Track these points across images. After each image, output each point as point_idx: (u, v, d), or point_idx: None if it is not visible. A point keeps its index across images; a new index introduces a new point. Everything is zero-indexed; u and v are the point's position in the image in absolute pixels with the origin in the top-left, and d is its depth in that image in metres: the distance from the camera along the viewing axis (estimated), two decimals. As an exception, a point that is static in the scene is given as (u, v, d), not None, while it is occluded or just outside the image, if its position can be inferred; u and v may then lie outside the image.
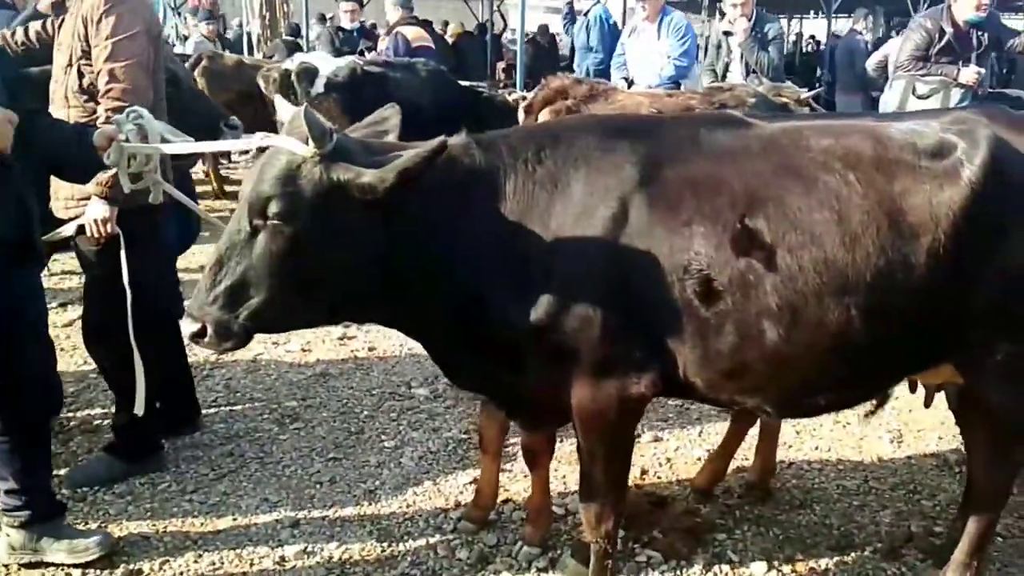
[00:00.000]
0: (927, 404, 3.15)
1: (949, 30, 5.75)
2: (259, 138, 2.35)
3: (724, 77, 6.96)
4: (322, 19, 14.75)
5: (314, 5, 14.47)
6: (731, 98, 5.01)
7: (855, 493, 3.67)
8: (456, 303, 2.44)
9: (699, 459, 3.87)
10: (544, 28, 15.99)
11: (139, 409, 3.11)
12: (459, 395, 4.50)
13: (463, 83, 7.99)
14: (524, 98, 8.11)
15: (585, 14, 8.40)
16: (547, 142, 2.50)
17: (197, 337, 2.29)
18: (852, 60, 11.24)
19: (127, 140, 2.70)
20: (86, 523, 3.27)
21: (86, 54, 3.25)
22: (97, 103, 3.24)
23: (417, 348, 5.04)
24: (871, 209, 2.33)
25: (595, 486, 2.64)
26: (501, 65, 16.74)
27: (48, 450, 3.03)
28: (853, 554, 3.22)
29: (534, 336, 2.43)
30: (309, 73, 6.66)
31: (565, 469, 3.66)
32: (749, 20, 6.84)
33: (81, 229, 3.24)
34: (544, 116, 4.57)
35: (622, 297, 2.39)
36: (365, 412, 4.34)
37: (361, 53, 8.51)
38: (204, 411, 4.17)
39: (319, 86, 6.71)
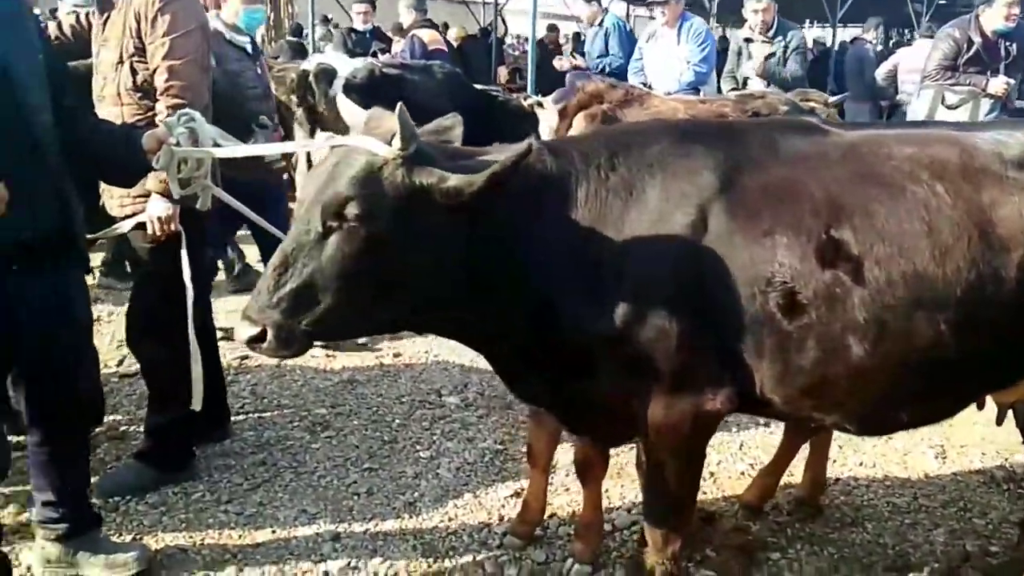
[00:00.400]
0: (999, 422, 3.07)
1: (977, 40, 5.71)
2: (327, 139, 2.25)
3: (744, 84, 6.88)
4: (325, 21, 14.63)
5: (318, 6, 14.36)
6: (763, 105, 4.92)
7: (906, 511, 3.58)
8: (529, 310, 2.35)
9: (742, 473, 3.79)
10: (553, 27, 15.91)
11: (196, 404, 3.03)
12: (490, 404, 4.42)
13: (477, 87, 7.90)
14: (540, 103, 8.08)
15: (600, 23, 8.30)
16: (620, 147, 2.41)
17: (255, 342, 2.17)
18: (861, 69, 11.22)
19: (178, 144, 2.59)
20: (119, 534, 3.15)
21: (139, 51, 3.16)
22: (153, 101, 3.15)
23: (444, 355, 5.12)
24: (960, 220, 2.26)
25: (663, 505, 2.56)
26: (503, 69, 16.69)
27: (87, 461, 2.93)
28: (910, 575, 3.14)
29: (607, 346, 2.34)
30: (328, 74, 6.55)
31: (608, 483, 3.56)
32: (770, 27, 6.78)
33: (139, 226, 3.14)
34: (579, 121, 4.49)
35: (699, 308, 2.31)
36: (397, 421, 4.23)
37: (374, 55, 8.40)
38: (232, 418, 4.06)
39: (337, 87, 6.59)
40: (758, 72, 6.49)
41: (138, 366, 4.54)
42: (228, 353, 4.81)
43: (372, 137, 2.14)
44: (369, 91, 6.67)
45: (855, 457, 3.98)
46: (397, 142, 2.08)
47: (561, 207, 2.34)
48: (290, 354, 2.25)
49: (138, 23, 3.13)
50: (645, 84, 7.29)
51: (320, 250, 2.14)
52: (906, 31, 19.65)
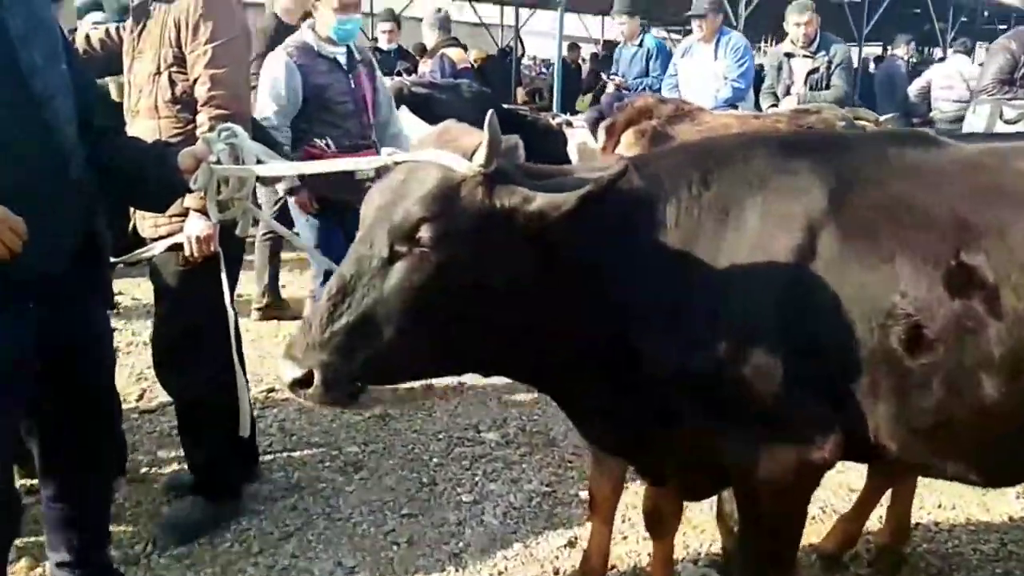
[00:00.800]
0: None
1: (1033, 52, 5.45)
2: (392, 154, 1.97)
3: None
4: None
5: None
6: (819, 121, 4.64)
7: (994, 558, 3.27)
8: (612, 346, 2.07)
9: (813, 518, 3.47)
10: (575, 46, 15.75)
11: (244, 430, 2.73)
12: (532, 441, 4.13)
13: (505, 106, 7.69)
14: (569, 122, 7.84)
15: (640, 43, 8.04)
16: (713, 163, 2.14)
17: (300, 386, 1.86)
18: (893, 85, 11.01)
19: (218, 161, 2.32)
20: (142, 592, 2.87)
21: (179, 61, 2.94)
22: (192, 114, 2.93)
23: (479, 386, 4.84)
24: None
25: (760, 564, 2.25)
26: (521, 89, 16.56)
27: (108, 517, 2.64)
28: (1014, 634, 2.83)
29: (700, 387, 2.06)
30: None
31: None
32: (812, 40, 6.51)
33: (174, 247, 2.89)
34: (628, 137, 4.24)
35: (807, 344, 2.02)
36: (434, 460, 3.94)
37: (399, 74, 8.19)
38: (260, 457, 3.78)
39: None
40: (799, 99, 6.21)
41: (159, 400, 4.34)
42: (254, 386, 4.55)
43: (447, 151, 1.86)
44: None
45: (931, 498, 3.66)
46: (480, 156, 1.81)
47: (649, 232, 2.07)
48: (339, 403, 1.96)
49: (178, 31, 2.92)
50: (677, 102, 7.03)
51: (382, 279, 1.85)
52: (927, 48, 19.48)
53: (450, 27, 8.37)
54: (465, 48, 10.22)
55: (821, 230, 2.02)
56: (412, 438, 4.16)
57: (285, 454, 3.95)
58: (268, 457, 3.88)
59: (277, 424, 4.24)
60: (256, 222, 2.61)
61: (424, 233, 1.82)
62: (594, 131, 7.40)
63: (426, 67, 7.97)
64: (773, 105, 6.63)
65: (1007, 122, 5.34)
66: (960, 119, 9.42)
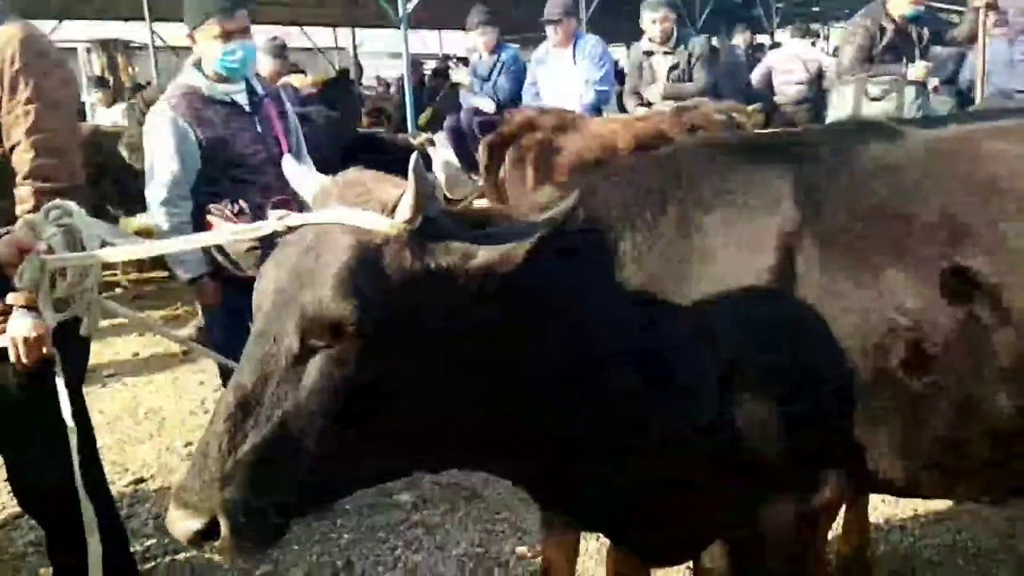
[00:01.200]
0: None
1: (890, 27, 5.50)
2: (282, 217, 1.54)
3: (649, 101, 6.48)
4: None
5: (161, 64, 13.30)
6: (699, 116, 4.51)
7: (952, 551, 3.15)
8: (585, 406, 1.72)
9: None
10: (418, 63, 15.38)
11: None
12: (451, 497, 3.73)
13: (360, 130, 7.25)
14: (431, 140, 7.49)
15: (497, 55, 7.69)
16: (665, 181, 1.83)
17: (204, 539, 1.44)
18: (734, 75, 11.23)
19: (50, 250, 1.80)
20: None
21: None
22: (12, 188, 2.35)
23: None
24: None
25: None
26: (364, 110, 16.08)
27: None
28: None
29: (679, 447, 1.75)
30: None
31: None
32: (670, 36, 6.41)
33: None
34: (511, 153, 3.93)
35: (797, 380, 1.74)
36: (346, 536, 3.48)
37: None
38: (139, 567, 3.20)
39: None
40: (663, 92, 6.09)
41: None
42: (117, 479, 3.95)
43: (356, 208, 1.46)
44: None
45: (876, 495, 3.52)
46: (404, 210, 1.43)
47: (600, 268, 1.74)
48: (261, 550, 1.52)
49: None
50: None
51: (297, 381, 1.44)
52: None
53: (287, 54, 7.85)
54: (304, 73, 9.70)
55: (799, 247, 1.75)
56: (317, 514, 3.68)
57: (168, 558, 3.39)
58: (149, 565, 3.31)
59: (153, 522, 3.65)
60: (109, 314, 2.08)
61: (345, 319, 1.42)
62: (457, 145, 7.11)
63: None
64: (640, 105, 6.49)
65: (873, 99, 5.37)
66: (804, 101, 9.73)
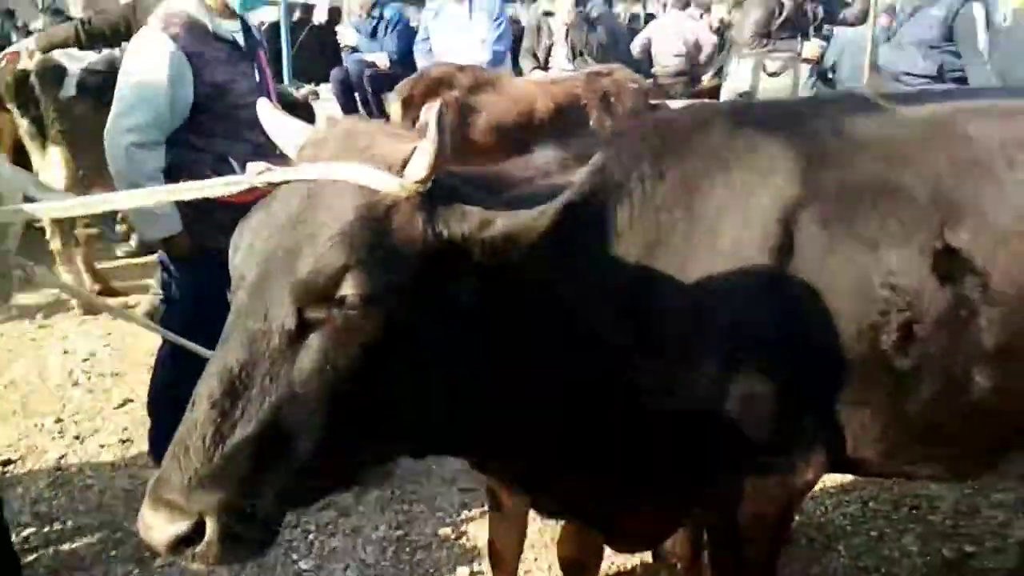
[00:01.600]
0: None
1: (788, 3, 5.59)
2: (261, 172, 1.32)
3: (547, 62, 6.37)
4: (9, 15, 12.30)
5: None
6: (611, 83, 4.45)
7: (862, 520, 3.25)
8: (582, 383, 1.61)
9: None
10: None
11: None
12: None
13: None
14: (315, 93, 7.09)
15: (379, 16, 7.34)
16: (666, 147, 1.72)
17: (185, 544, 1.24)
18: (615, 42, 11.28)
19: None
20: None
21: None
22: None
23: None
24: None
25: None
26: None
27: None
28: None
29: (671, 424, 1.69)
30: (56, 71, 5.15)
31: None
32: (573, -2, 6.31)
33: None
34: (426, 111, 3.72)
35: (793, 358, 1.70)
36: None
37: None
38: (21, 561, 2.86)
39: (70, 87, 5.22)
40: (567, 53, 6.00)
41: None
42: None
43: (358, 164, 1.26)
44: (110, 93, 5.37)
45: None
46: (419, 168, 1.25)
47: (598, 238, 1.62)
48: (252, 556, 1.33)
49: None
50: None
51: (290, 361, 1.25)
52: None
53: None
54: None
55: (798, 221, 1.69)
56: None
57: (51, 548, 3.05)
58: (31, 557, 2.97)
59: (30, 510, 3.28)
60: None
61: (348, 287, 1.23)
62: (344, 100, 6.77)
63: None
64: (536, 68, 6.36)
65: (771, 75, 5.46)
66: (681, 74, 9.87)
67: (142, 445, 3.62)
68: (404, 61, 6.78)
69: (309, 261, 1.24)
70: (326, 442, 1.28)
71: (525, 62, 6.56)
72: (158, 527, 1.22)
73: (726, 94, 5.86)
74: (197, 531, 1.22)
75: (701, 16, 9.42)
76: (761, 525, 1.81)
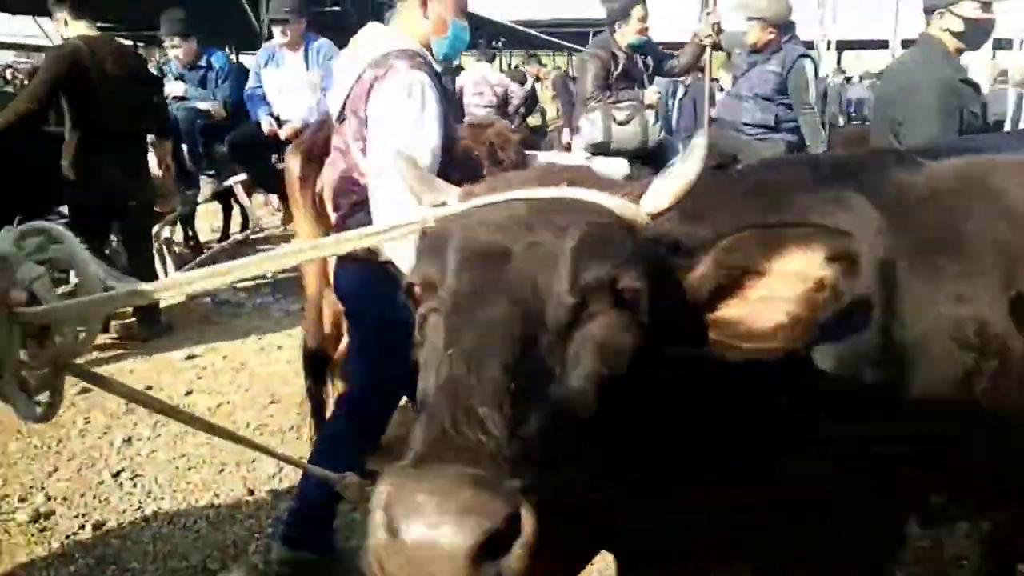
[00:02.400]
0: None
1: (621, 56, 5.81)
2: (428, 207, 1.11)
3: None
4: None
5: None
6: (495, 134, 4.38)
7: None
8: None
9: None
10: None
11: None
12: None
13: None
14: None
15: (207, 66, 6.91)
16: (755, 201, 1.65)
17: (498, 551, 0.88)
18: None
19: (32, 299, 1.06)
20: None
21: None
22: None
23: (189, 517, 3.42)
24: None
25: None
26: None
27: None
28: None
29: (775, 493, 1.59)
30: None
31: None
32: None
33: None
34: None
35: (898, 408, 1.67)
36: None
37: None
38: None
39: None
40: None
41: None
42: None
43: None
44: None
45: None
46: (661, 199, 1.26)
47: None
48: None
49: None
50: (272, 115, 6.27)
51: (566, 348, 1.12)
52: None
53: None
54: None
55: (891, 272, 1.67)
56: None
57: None
58: None
59: None
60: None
61: (628, 281, 1.17)
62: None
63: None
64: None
65: (620, 124, 5.61)
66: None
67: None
68: (236, 110, 6.46)
69: (582, 255, 1.16)
70: (595, 444, 1.12)
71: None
72: (456, 524, 0.85)
73: (579, 147, 5.99)
74: (512, 530, 0.88)
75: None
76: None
